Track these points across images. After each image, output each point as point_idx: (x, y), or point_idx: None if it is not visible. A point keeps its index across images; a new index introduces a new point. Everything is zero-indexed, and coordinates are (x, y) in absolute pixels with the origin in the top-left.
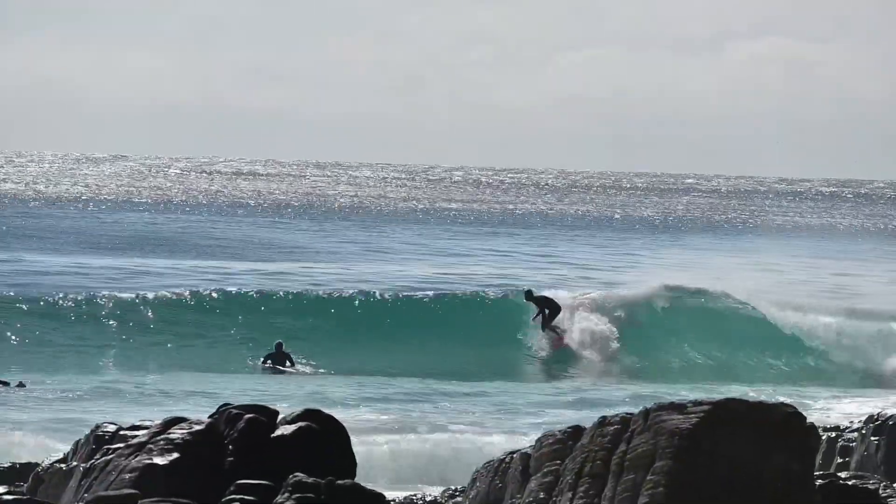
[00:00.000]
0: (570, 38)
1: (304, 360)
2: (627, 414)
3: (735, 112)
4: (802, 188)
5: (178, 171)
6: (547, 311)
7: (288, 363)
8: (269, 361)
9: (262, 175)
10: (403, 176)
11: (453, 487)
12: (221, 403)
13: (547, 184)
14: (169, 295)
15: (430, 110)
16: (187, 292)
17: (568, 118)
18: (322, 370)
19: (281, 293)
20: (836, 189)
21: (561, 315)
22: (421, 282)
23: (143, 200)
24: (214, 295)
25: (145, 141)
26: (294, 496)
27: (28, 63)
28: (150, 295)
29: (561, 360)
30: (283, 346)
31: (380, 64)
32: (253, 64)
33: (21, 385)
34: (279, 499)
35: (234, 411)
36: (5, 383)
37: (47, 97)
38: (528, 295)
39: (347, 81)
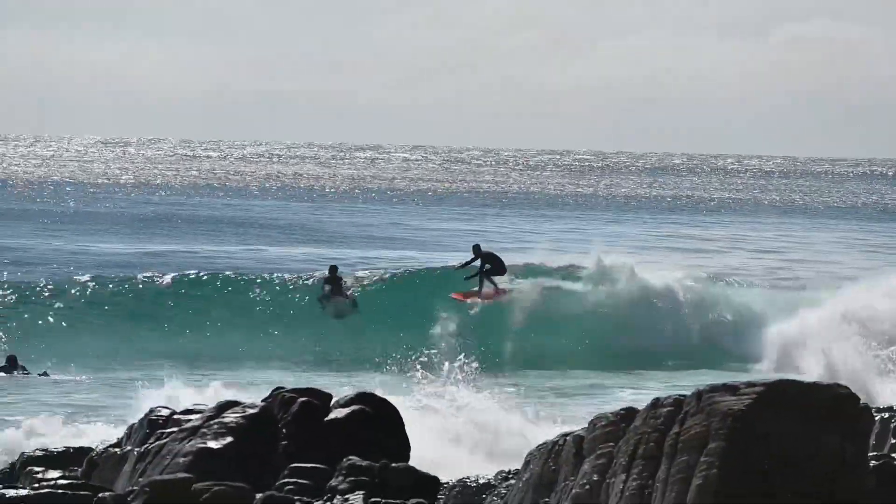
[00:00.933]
0: (617, 23)
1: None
2: (680, 396)
3: (779, 94)
4: (841, 168)
5: (243, 156)
6: (489, 266)
7: (343, 291)
8: (326, 287)
9: (331, 160)
10: (465, 159)
11: (507, 470)
12: (275, 387)
13: (611, 165)
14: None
15: (475, 94)
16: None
17: (612, 101)
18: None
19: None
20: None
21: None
22: None
23: (222, 186)
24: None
25: (197, 128)
26: (348, 479)
27: (85, 54)
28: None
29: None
30: (338, 270)
31: (426, 48)
32: (303, 49)
33: (45, 374)
34: (333, 482)
35: (288, 395)
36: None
37: (100, 87)
38: (476, 249)
39: (394, 65)
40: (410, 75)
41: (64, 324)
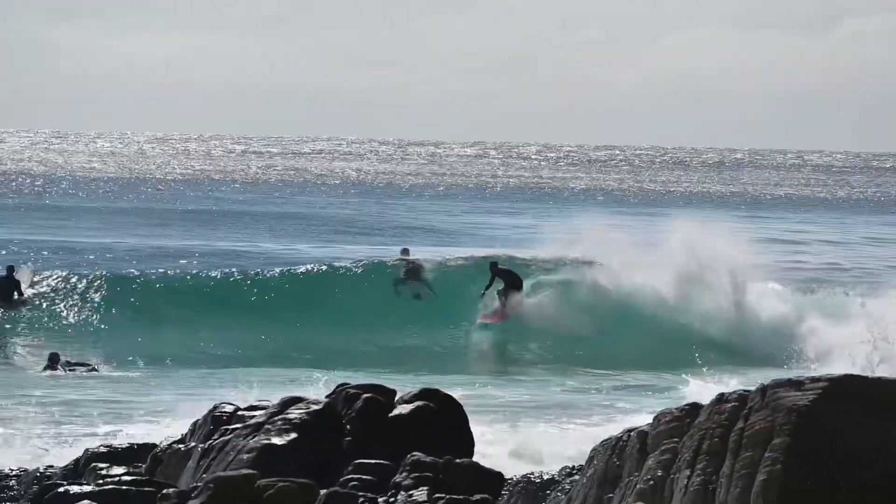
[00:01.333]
0: (677, 18)
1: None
2: (744, 391)
3: (841, 90)
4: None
5: (311, 153)
6: (504, 283)
7: (420, 275)
8: (403, 272)
9: (395, 157)
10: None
11: (570, 465)
12: (339, 383)
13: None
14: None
15: (535, 91)
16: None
17: (673, 97)
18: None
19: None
20: None
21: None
22: None
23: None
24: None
25: (252, 123)
26: (412, 475)
27: (140, 49)
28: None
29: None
30: (409, 252)
31: (484, 45)
32: (359, 45)
33: (94, 369)
34: (397, 478)
35: (352, 391)
36: (79, 365)
37: (160, 81)
38: (493, 266)
39: (452, 62)
40: (470, 72)
41: (118, 320)
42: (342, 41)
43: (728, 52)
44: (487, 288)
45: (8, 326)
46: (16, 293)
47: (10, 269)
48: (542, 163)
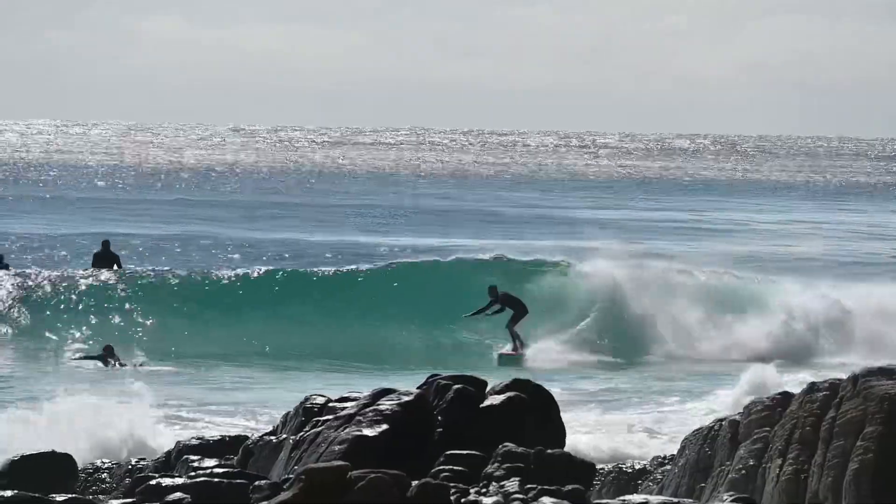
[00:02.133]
0: (762, 6)
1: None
2: (836, 380)
3: None
4: None
5: (395, 143)
6: (507, 309)
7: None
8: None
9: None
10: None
11: (662, 455)
12: (430, 374)
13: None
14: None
15: (618, 79)
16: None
17: (757, 85)
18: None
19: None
20: None
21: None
22: None
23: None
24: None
25: (341, 114)
26: (504, 466)
27: (233, 41)
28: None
29: None
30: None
31: (567, 34)
32: (440, 36)
33: (141, 366)
34: (489, 468)
35: (443, 382)
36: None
37: (252, 73)
38: (493, 291)
39: (534, 51)
40: (558, 60)
41: (193, 315)
42: (428, 33)
43: (817, 38)
44: (480, 312)
45: (66, 319)
46: (115, 265)
47: (107, 242)
48: (630, 153)
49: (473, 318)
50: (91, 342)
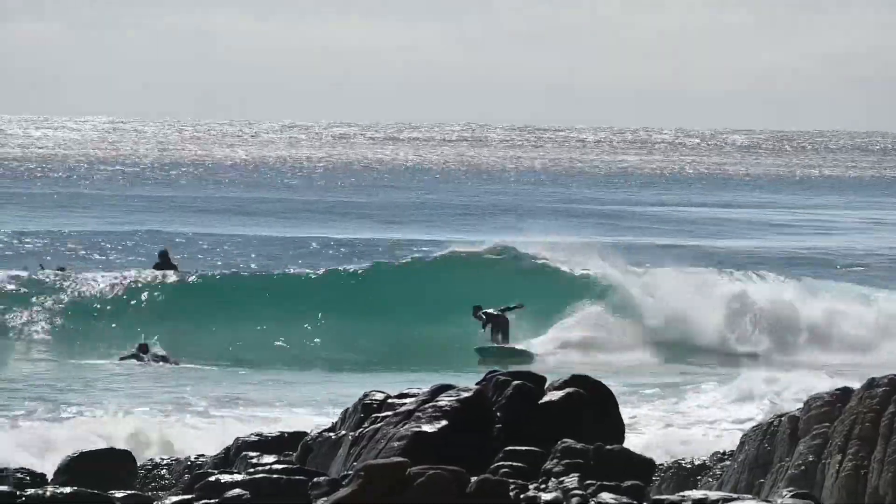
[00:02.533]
0: None
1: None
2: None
3: None
4: None
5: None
6: (490, 327)
7: None
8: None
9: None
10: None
11: (721, 451)
12: (489, 370)
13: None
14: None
15: (686, 75)
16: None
17: (825, 79)
18: None
19: None
20: None
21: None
22: None
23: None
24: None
25: (421, 110)
26: (563, 461)
27: (310, 36)
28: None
29: None
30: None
31: (636, 31)
32: (515, 29)
33: (175, 362)
34: (548, 465)
35: (502, 378)
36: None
37: (335, 68)
38: (475, 311)
39: (602, 47)
40: (625, 58)
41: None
42: (500, 26)
43: (884, 32)
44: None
45: (121, 321)
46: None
47: (164, 253)
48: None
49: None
50: (151, 341)
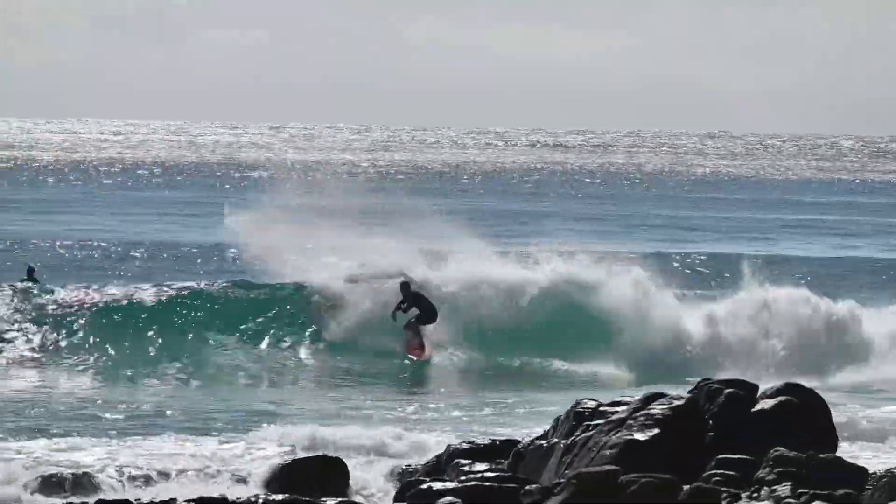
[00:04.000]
0: None
1: None
2: None
3: None
4: None
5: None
6: (416, 311)
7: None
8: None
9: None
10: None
11: None
12: (702, 378)
13: None
14: None
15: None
16: None
17: None
18: None
19: None
20: None
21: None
22: None
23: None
24: None
25: (625, 119)
26: (776, 470)
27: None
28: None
29: None
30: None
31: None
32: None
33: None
34: (760, 473)
35: (714, 386)
36: None
37: (527, 78)
38: (405, 287)
39: (768, 53)
40: (797, 62)
41: None
42: (673, 31)
43: None
44: (398, 309)
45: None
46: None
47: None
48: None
49: (400, 316)
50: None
